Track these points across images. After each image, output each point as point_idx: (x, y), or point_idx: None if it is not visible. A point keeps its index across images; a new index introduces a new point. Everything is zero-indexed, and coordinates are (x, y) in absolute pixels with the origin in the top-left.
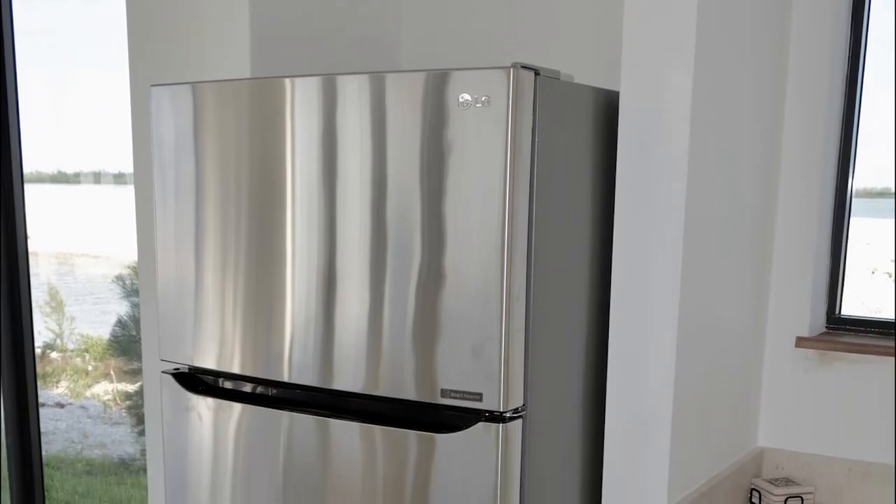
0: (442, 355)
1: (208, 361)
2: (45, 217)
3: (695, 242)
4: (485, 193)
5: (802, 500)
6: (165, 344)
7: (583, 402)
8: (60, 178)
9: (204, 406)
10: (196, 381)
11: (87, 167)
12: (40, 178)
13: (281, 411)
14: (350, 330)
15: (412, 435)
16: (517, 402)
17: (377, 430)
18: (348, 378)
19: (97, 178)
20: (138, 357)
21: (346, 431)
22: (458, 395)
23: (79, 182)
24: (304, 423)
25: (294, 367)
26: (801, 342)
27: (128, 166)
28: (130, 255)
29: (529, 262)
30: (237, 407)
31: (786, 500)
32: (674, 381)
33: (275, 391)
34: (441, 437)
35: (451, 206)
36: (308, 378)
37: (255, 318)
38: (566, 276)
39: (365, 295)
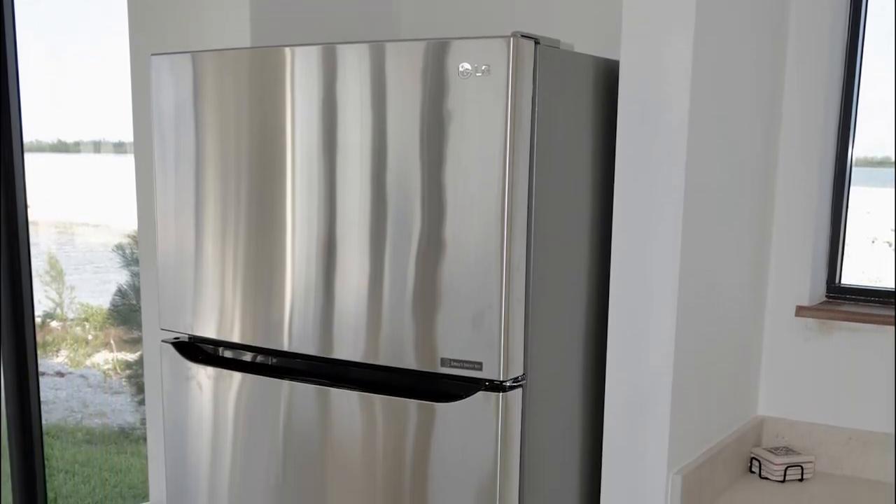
0: (442, 324)
1: (208, 330)
2: (45, 186)
3: (695, 211)
4: (485, 162)
5: (802, 468)
6: (165, 313)
7: (583, 372)
8: (60, 148)
9: (204, 375)
10: (196, 350)
11: (87, 136)
12: (40, 148)
13: (281, 380)
14: (350, 299)
15: (412, 404)
16: (517, 371)
17: (377, 399)
18: (348, 347)
19: (97, 147)
20: (138, 326)
21: (346, 400)
22: (457, 365)
23: (79, 151)
24: (304, 392)
25: (294, 336)
26: (801, 311)
27: (128, 135)
28: (130, 224)
29: (529, 231)
30: (237, 376)
31: (786, 469)
32: (674, 350)
33: (275, 360)
34: (441, 406)
35: (451, 175)
36: (308, 347)
37: (255, 287)
38: (566, 246)
39: (365, 264)
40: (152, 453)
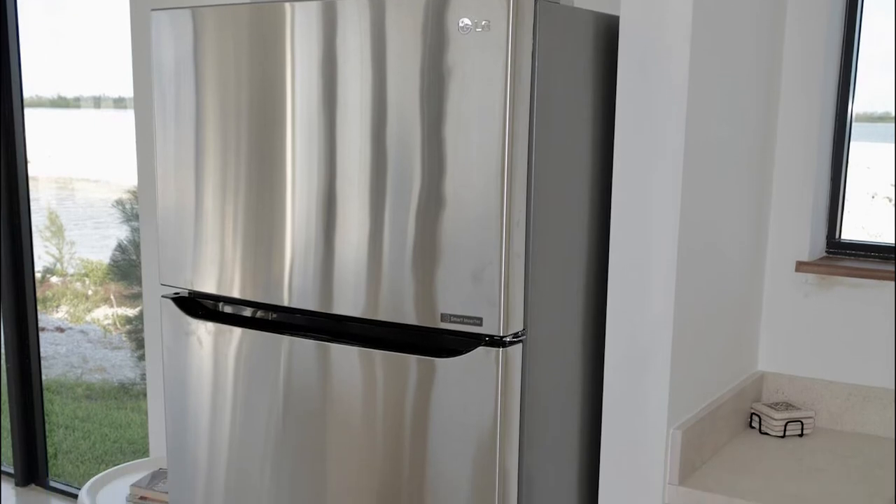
0: (441, 280)
1: (208, 286)
2: (45, 142)
3: (695, 167)
4: (484, 118)
5: (802, 424)
6: (165, 268)
7: (583, 327)
8: (60, 103)
9: (204, 330)
10: (196, 305)
11: (87, 92)
12: (40, 103)
13: (281, 336)
14: (350, 254)
15: (412, 359)
16: (517, 326)
17: (377, 354)
18: (348, 303)
19: (97, 102)
20: (138, 282)
21: (346, 356)
22: (457, 320)
23: (79, 107)
24: (304, 347)
25: (294, 291)
26: (801, 267)
27: (128, 91)
28: (130, 179)
29: (529, 186)
30: (237, 331)
31: (786, 425)
32: (674, 305)
33: (275, 315)
34: (441, 362)
35: (451, 130)
36: (308, 303)
37: (255, 242)
38: (566, 201)
39: (365, 220)
40: (152, 408)
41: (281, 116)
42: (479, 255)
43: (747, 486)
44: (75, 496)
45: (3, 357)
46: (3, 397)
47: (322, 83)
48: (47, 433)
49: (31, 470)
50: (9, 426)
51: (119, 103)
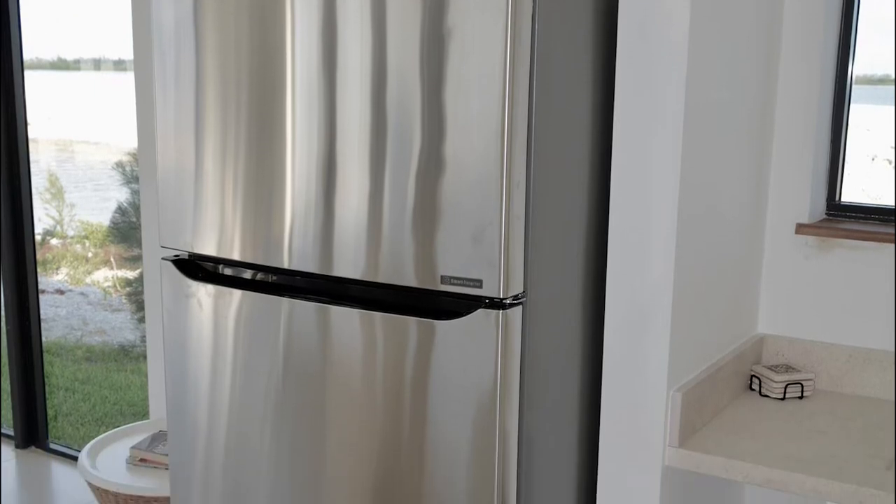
0: (441, 242)
1: (208, 248)
2: (45, 104)
3: (695, 130)
4: (485, 80)
5: (802, 386)
6: (165, 230)
7: (583, 289)
8: (60, 66)
9: (204, 293)
10: (196, 268)
11: (87, 54)
12: (40, 65)
13: (281, 298)
14: (350, 216)
15: (412, 322)
16: (517, 288)
17: (377, 316)
18: (348, 265)
19: (97, 65)
20: (138, 244)
21: (346, 318)
22: (457, 282)
23: (79, 69)
24: (304, 309)
25: (294, 253)
26: (801, 229)
27: (128, 53)
28: (130, 141)
29: (529, 149)
30: (237, 293)
31: (786, 387)
32: (674, 267)
33: (275, 278)
34: (441, 324)
35: (451, 93)
36: (308, 265)
37: (256, 204)
38: (566, 164)
39: (365, 181)
40: (152, 371)
41: (281, 80)
42: (478, 216)
43: (747, 448)
44: (75, 458)
45: (4, 319)
46: (3, 360)
47: (322, 46)
48: (47, 395)
49: (31, 432)
50: (9, 388)
51: (119, 66)
